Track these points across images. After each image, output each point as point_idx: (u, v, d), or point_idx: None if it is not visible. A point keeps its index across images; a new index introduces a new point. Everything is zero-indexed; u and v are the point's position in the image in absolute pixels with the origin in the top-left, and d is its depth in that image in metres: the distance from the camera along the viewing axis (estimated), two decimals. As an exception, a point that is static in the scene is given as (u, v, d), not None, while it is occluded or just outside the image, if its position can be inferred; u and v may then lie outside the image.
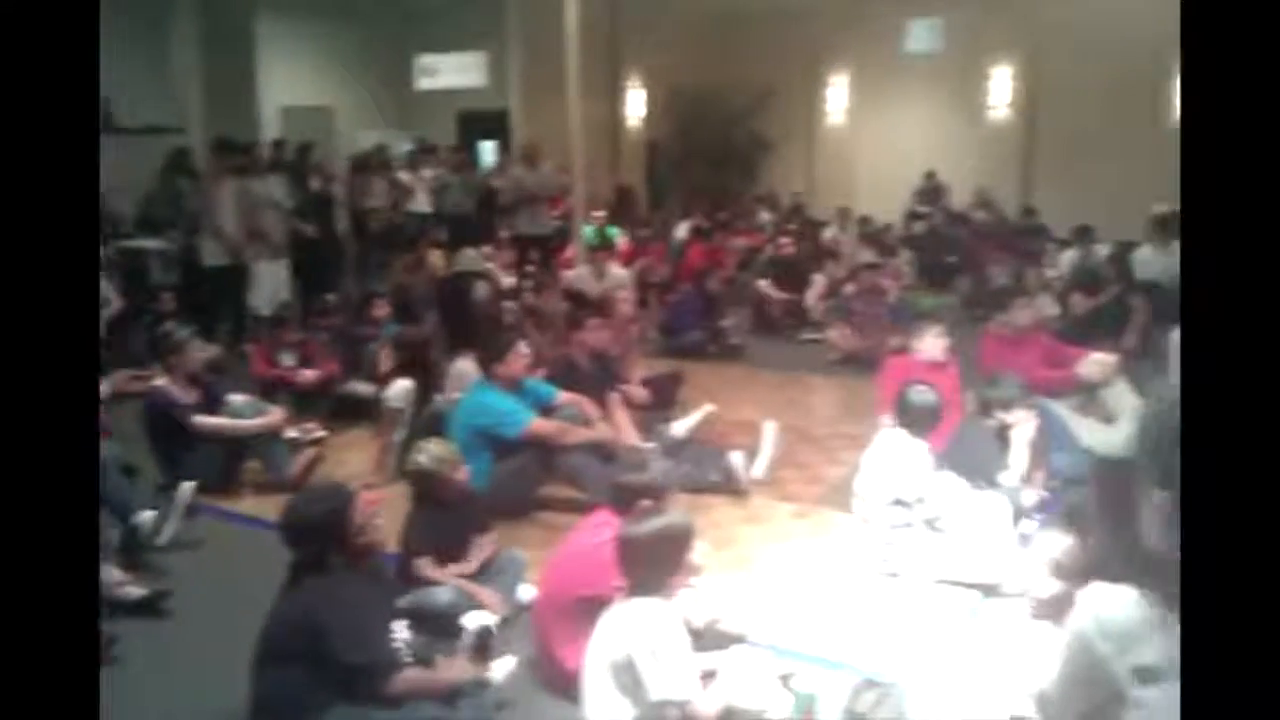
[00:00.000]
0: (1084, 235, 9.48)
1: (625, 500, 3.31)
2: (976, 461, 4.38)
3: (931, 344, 5.42)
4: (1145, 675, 1.46)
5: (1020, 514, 4.20)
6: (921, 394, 4.25)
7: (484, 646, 3.27)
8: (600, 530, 3.29)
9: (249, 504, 4.99)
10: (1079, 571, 1.91)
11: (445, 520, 3.87)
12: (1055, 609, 2.00)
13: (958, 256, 10.60)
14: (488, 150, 13.57)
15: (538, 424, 4.78)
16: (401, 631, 3.05)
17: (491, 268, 8.70)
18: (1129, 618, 1.52)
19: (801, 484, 5.22)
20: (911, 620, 3.75)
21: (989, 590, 3.85)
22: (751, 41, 13.33)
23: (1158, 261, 7.97)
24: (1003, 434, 4.45)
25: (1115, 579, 1.55)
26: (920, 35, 13.57)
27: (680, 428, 5.51)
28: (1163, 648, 1.28)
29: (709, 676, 2.91)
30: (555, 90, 8.75)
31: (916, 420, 4.21)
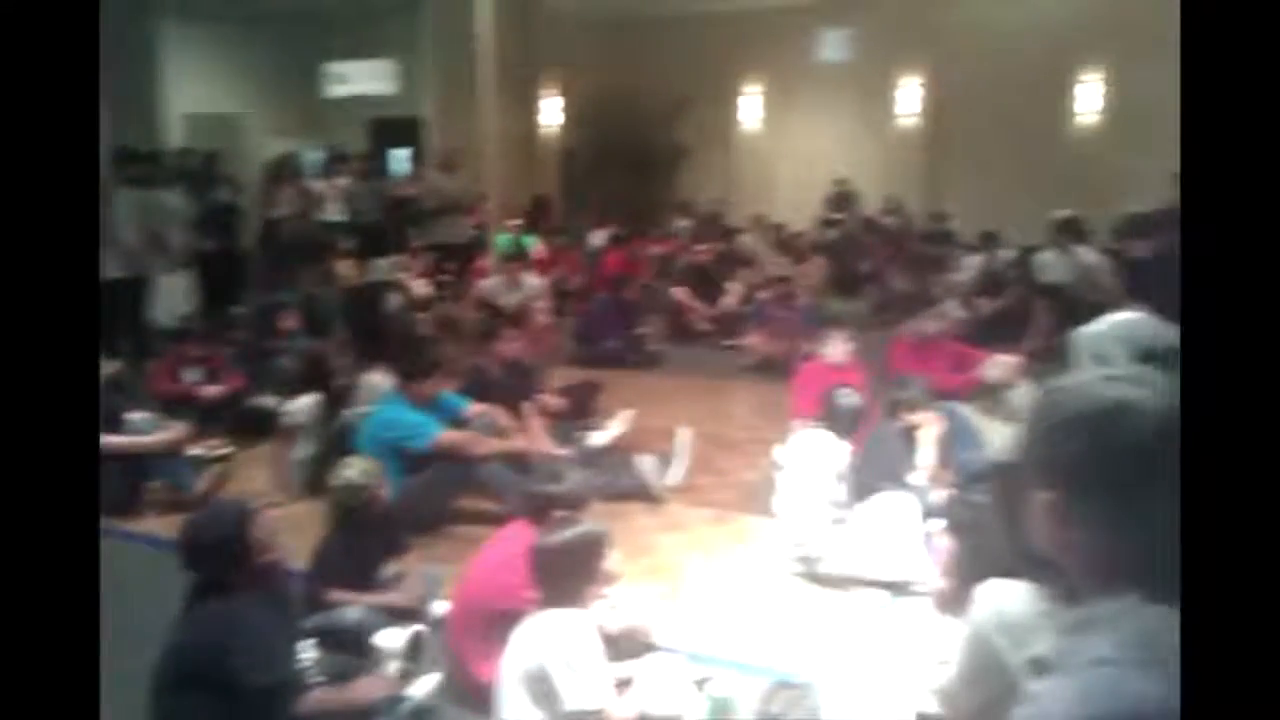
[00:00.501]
0: (989, 241, 9.74)
1: (540, 510, 3.29)
2: (886, 462, 4.46)
3: (838, 349, 5.52)
4: (1039, 667, 1.48)
5: (929, 513, 4.29)
6: (847, 397, 4.35)
7: (416, 655, 3.22)
8: (514, 542, 3.26)
9: (152, 525, 4.83)
10: (973, 568, 1.95)
11: (362, 544, 3.77)
12: (955, 605, 2.04)
13: (868, 262, 10.79)
14: (400, 158, 13.41)
15: (447, 436, 4.73)
16: (309, 651, 2.97)
17: (403, 278, 8.59)
18: (1024, 611, 1.56)
19: (719, 489, 5.25)
20: (826, 620, 3.80)
21: (899, 588, 3.91)
22: (668, 49, 13.42)
23: (1060, 265, 8.21)
24: (910, 435, 4.55)
25: (1012, 575, 1.58)
26: (832, 44, 13.81)
27: (597, 436, 5.50)
28: (1054, 640, 1.30)
29: (624, 685, 2.90)
30: (468, 97, 8.69)
31: (841, 422, 4.30)
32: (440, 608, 3.72)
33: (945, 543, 3.74)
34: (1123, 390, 1.24)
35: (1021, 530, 1.33)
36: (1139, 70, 12.07)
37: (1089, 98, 12.91)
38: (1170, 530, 1.21)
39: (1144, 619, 1.20)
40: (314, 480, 4.84)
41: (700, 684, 3.03)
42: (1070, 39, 12.25)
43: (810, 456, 4.26)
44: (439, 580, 3.90)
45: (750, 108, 14.69)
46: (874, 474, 4.32)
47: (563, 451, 5.09)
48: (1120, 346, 5.28)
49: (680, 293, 9.27)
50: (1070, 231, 8.16)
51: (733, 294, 9.14)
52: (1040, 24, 12.10)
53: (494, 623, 3.01)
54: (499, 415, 5.10)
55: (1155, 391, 1.23)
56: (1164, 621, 1.19)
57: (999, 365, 5.53)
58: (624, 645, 3.19)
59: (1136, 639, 1.18)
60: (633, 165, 13.35)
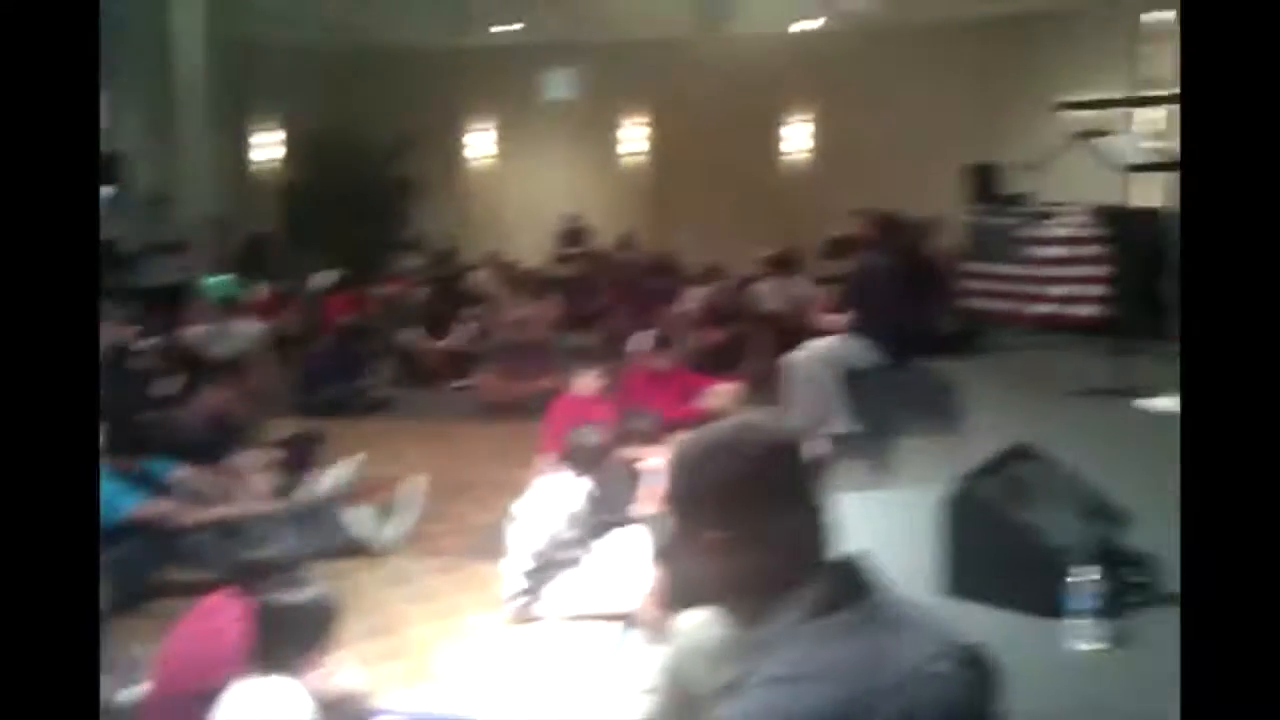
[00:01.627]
0: (714, 273, 10.15)
1: (251, 577, 3.05)
2: (617, 497, 4.49)
3: (588, 384, 5.53)
4: (728, 692, 1.51)
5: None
6: (586, 435, 4.32)
7: None
8: (219, 614, 3.01)
9: None
10: (677, 598, 2.00)
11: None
12: (663, 635, 2.06)
13: (602, 297, 10.96)
14: (103, 197, 12.31)
15: (142, 509, 4.32)
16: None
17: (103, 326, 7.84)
18: (716, 638, 1.57)
19: (449, 537, 5.08)
20: (554, 664, 3.74)
21: (630, 622, 3.92)
22: (394, 84, 13.14)
23: (777, 295, 8.66)
24: (636, 468, 4.59)
25: (709, 603, 1.59)
26: (557, 84, 14.03)
27: (315, 488, 5.20)
28: (741, 667, 1.34)
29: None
30: (178, 132, 8.09)
31: (579, 460, 4.26)
32: (135, 693, 3.35)
33: (655, 574, 3.78)
34: (736, 424, 1.34)
35: (698, 562, 1.36)
36: (840, 113, 13.11)
37: (798, 137, 13.84)
38: (811, 546, 1.27)
39: (806, 635, 1.25)
40: None
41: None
42: (781, 83, 13.09)
43: (548, 497, 4.21)
44: (138, 663, 3.51)
45: (480, 144, 14.64)
46: (608, 510, 4.33)
47: (275, 510, 4.76)
48: (827, 368, 5.63)
49: (410, 334, 9.01)
50: (782, 264, 8.63)
51: (463, 333, 8.99)
52: (754, 68, 12.82)
53: (196, 705, 2.74)
54: (204, 478, 4.71)
55: (768, 423, 1.35)
56: (826, 635, 1.24)
57: (719, 393, 5.72)
58: (341, 711, 2.99)
59: (804, 655, 1.23)
60: (357, 203, 12.92)
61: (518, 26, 12.71)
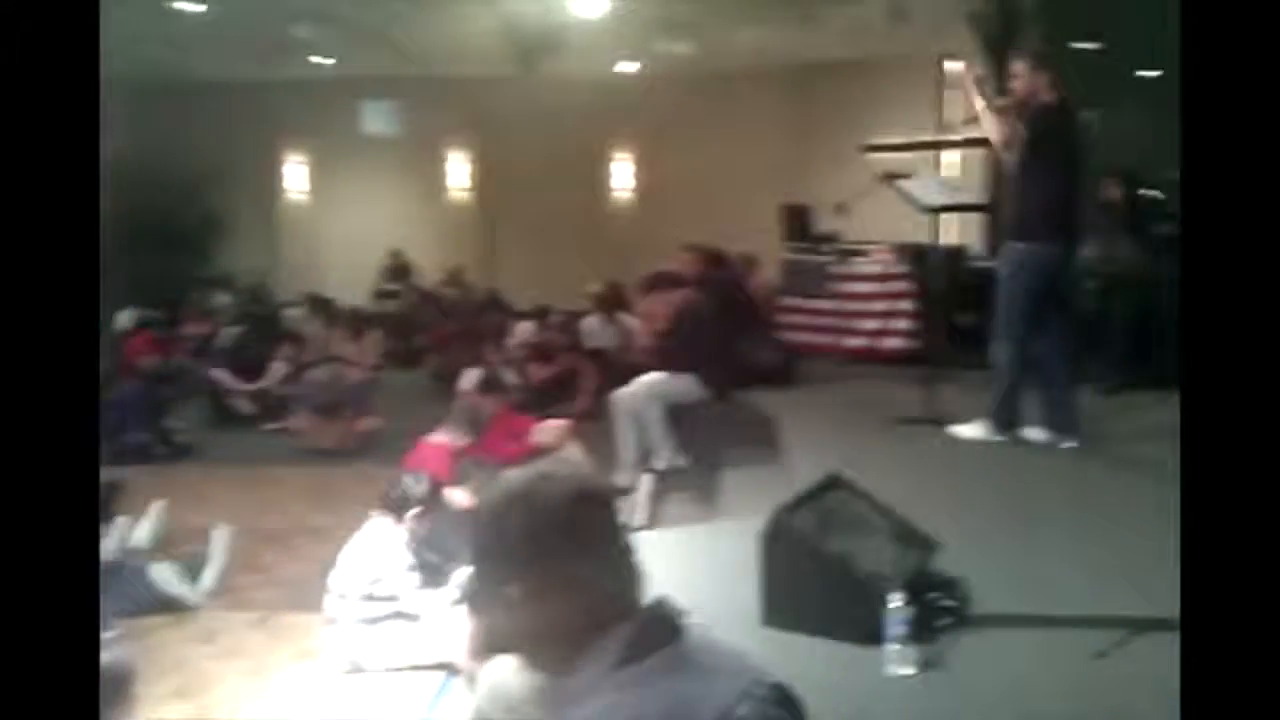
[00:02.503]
0: (542, 312, 10.11)
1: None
2: (445, 543, 4.36)
3: (451, 431, 5.36)
4: None
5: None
6: (410, 484, 4.15)
7: None
8: None
9: None
10: (487, 646, 1.96)
11: None
12: (475, 684, 2.02)
13: (427, 335, 10.75)
14: None
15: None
16: None
17: None
18: (520, 688, 1.56)
19: (263, 588, 4.80)
20: (379, 715, 3.58)
21: (451, 671, 3.79)
22: (201, 115, 12.56)
23: (604, 331, 8.69)
24: (459, 514, 4.47)
25: (511, 653, 1.56)
26: (375, 117, 13.75)
27: (120, 542, 4.84)
28: (550, 717, 1.34)
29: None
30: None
31: (401, 507, 4.10)
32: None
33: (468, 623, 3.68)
34: (534, 474, 1.34)
35: (501, 615, 1.35)
36: (661, 153, 13.39)
37: (622, 176, 14.04)
38: (616, 592, 1.25)
39: (613, 683, 1.25)
40: None
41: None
42: (604, 122, 13.25)
43: (373, 543, 4.04)
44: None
45: (295, 178, 14.16)
46: (437, 555, 4.20)
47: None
48: (652, 403, 5.68)
49: (220, 375, 8.56)
50: (609, 300, 8.68)
51: (277, 373, 8.60)
52: (577, 108, 12.92)
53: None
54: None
55: (567, 471, 1.35)
56: (633, 682, 1.24)
57: (548, 430, 5.66)
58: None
59: (611, 704, 1.23)
60: (164, 239, 12.24)
61: (331, 62, 12.39)
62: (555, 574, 1.28)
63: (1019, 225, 5.02)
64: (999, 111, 5.00)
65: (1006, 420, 5.10)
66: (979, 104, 5.07)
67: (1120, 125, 8.05)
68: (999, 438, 5.11)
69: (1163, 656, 2.83)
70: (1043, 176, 4.89)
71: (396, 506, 4.13)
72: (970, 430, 5.20)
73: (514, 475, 1.37)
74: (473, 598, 1.38)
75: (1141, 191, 7.62)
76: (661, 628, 1.31)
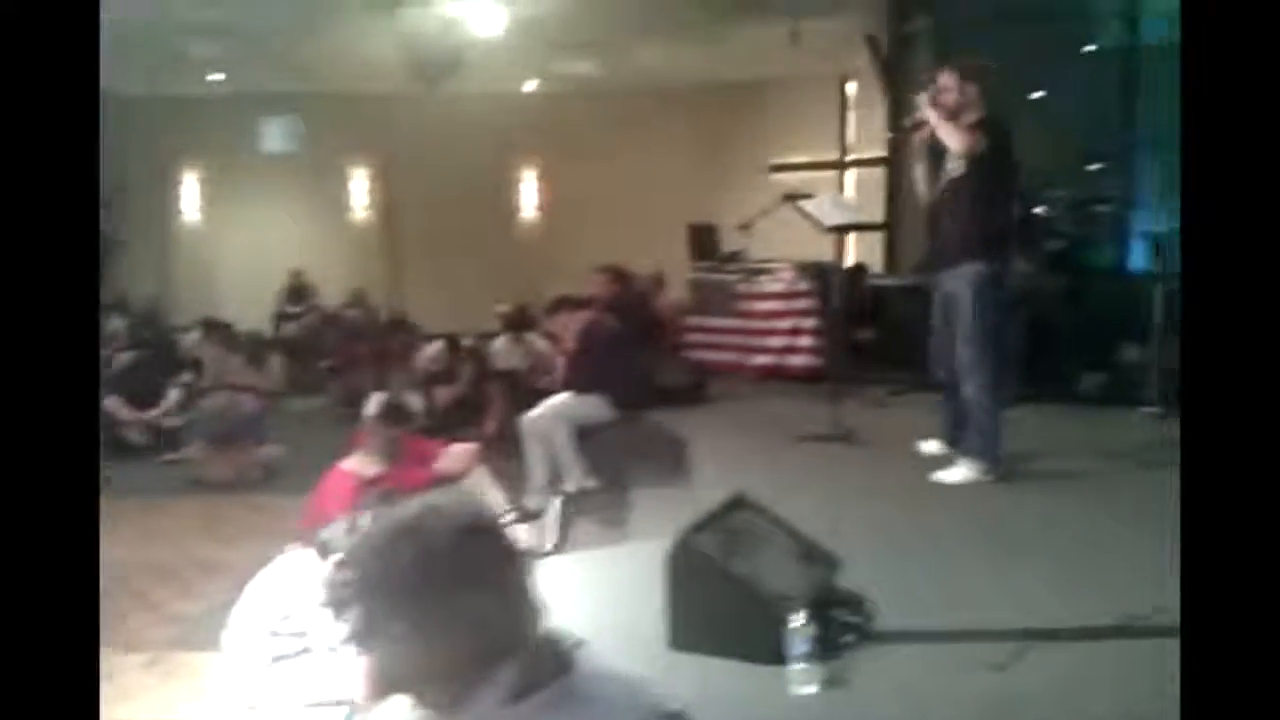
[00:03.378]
0: (449, 334, 9.97)
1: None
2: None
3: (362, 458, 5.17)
4: None
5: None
6: (336, 533, 4.00)
7: None
8: None
9: None
10: (381, 685, 1.90)
11: None
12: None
13: (330, 358, 10.52)
14: None
15: None
16: None
17: None
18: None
19: (154, 627, 4.61)
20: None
21: (353, 709, 3.68)
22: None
23: (513, 352, 8.61)
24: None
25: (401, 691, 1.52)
26: (274, 135, 13.45)
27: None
28: None
29: None
30: None
31: (325, 552, 3.96)
32: None
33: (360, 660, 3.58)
34: (419, 508, 1.31)
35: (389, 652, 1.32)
36: (568, 172, 13.39)
37: (529, 195, 13.99)
38: (507, 627, 1.26)
39: (508, 718, 1.24)
40: None
41: None
42: (509, 141, 13.19)
43: (285, 579, 3.90)
44: None
45: (189, 198, 13.76)
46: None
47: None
48: (560, 425, 5.64)
49: (111, 403, 8.22)
50: (517, 321, 8.61)
51: (172, 401, 8.31)
52: (481, 126, 12.84)
53: None
54: None
55: (453, 504, 1.32)
56: (525, 718, 1.24)
57: (454, 455, 5.55)
58: None
59: None
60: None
61: (222, 76, 12.08)
62: (443, 609, 1.25)
63: (979, 244, 4.82)
64: (938, 124, 4.86)
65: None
66: (932, 115, 4.91)
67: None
68: (988, 476, 4.82)
69: (1058, 667, 2.90)
70: (996, 191, 4.88)
71: (322, 551, 3.99)
72: (956, 474, 4.90)
73: (400, 509, 1.34)
74: (359, 635, 1.33)
75: (1035, 210, 7.90)
76: (554, 660, 1.30)
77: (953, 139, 4.81)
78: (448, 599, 1.25)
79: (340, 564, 1.37)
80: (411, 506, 1.33)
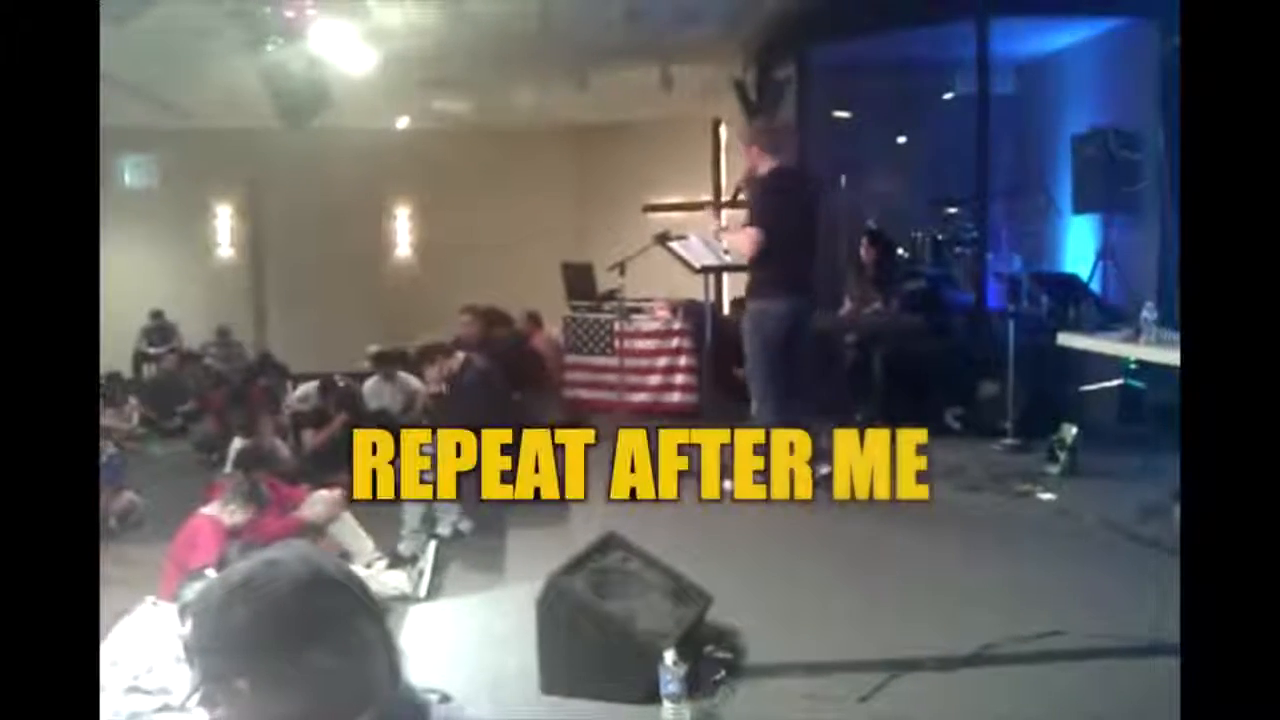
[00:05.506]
0: (318, 374, 9.72)
1: None
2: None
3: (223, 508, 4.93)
4: None
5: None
6: (200, 589, 3.80)
7: None
8: None
9: None
10: None
11: None
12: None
13: (192, 400, 10.13)
14: None
15: None
16: None
17: None
18: None
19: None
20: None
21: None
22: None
23: (385, 392, 8.44)
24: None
25: None
26: (137, 171, 12.94)
27: None
28: None
29: None
30: None
31: (185, 609, 3.77)
32: None
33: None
34: (257, 562, 1.27)
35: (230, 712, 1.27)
36: (442, 210, 13.28)
37: (401, 232, 13.82)
38: (355, 684, 1.23)
39: None
40: None
41: None
42: (381, 178, 13.01)
43: (144, 632, 3.71)
44: None
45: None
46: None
47: None
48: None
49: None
50: (388, 361, 8.46)
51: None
52: (352, 163, 12.62)
53: None
54: None
55: (294, 557, 1.28)
56: None
57: (319, 501, 5.37)
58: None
59: None
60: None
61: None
62: (285, 665, 1.21)
63: (763, 286, 5.30)
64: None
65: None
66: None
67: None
68: None
69: (922, 697, 2.99)
70: (785, 241, 5.19)
71: (182, 612, 3.81)
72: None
73: (238, 566, 1.30)
74: (205, 693, 1.28)
75: (900, 251, 8.22)
76: (412, 715, 1.27)
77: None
78: (289, 654, 1.21)
79: (189, 620, 1.32)
80: (248, 562, 1.29)
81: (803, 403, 5.30)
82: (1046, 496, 5.15)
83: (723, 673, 3.08)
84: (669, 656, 2.82)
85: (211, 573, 3.95)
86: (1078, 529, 4.59)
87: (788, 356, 5.23)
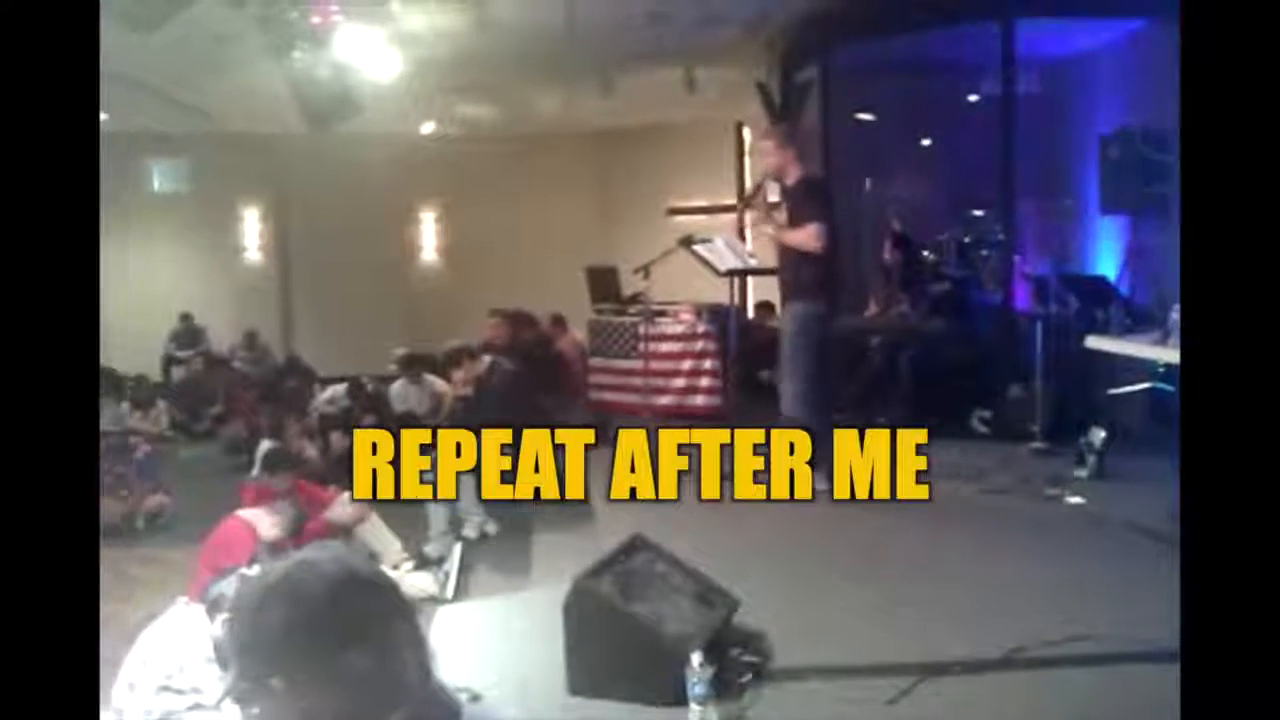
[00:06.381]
0: (345, 377, 9.79)
1: None
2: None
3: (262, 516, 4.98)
4: None
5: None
6: (225, 588, 3.86)
7: None
8: None
9: None
10: None
11: None
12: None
13: (221, 403, 10.22)
14: None
15: None
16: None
17: None
18: None
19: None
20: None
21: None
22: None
23: (412, 394, 8.49)
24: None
25: None
26: (166, 175, 13.09)
27: None
28: None
29: None
30: None
31: (215, 609, 3.81)
32: None
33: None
34: (292, 563, 1.29)
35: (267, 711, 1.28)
36: (468, 215, 13.33)
37: (427, 236, 13.89)
38: (388, 682, 1.24)
39: None
40: None
41: None
42: (408, 183, 13.09)
43: (177, 631, 3.74)
44: None
45: (75, 239, 13.27)
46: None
47: None
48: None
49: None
50: (414, 364, 8.50)
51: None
52: (378, 168, 12.71)
53: None
54: None
55: (328, 558, 1.30)
56: None
57: (344, 505, 5.41)
58: None
59: None
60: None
61: (105, 117, 11.73)
62: (319, 665, 1.23)
63: (795, 288, 5.34)
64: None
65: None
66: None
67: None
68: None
69: (949, 700, 2.98)
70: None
71: (212, 608, 3.85)
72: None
73: (274, 566, 1.31)
74: (239, 692, 1.30)
75: (925, 253, 8.18)
76: (444, 714, 1.28)
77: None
78: (323, 654, 1.22)
79: (223, 620, 1.35)
80: (283, 563, 1.30)
81: (834, 404, 5.30)
82: (1074, 500, 5.13)
83: (749, 675, 3.08)
84: (696, 659, 2.83)
85: (245, 571, 3.99)
86: (1106, 533, 4.56)
87: (823, 357, 5.24)
